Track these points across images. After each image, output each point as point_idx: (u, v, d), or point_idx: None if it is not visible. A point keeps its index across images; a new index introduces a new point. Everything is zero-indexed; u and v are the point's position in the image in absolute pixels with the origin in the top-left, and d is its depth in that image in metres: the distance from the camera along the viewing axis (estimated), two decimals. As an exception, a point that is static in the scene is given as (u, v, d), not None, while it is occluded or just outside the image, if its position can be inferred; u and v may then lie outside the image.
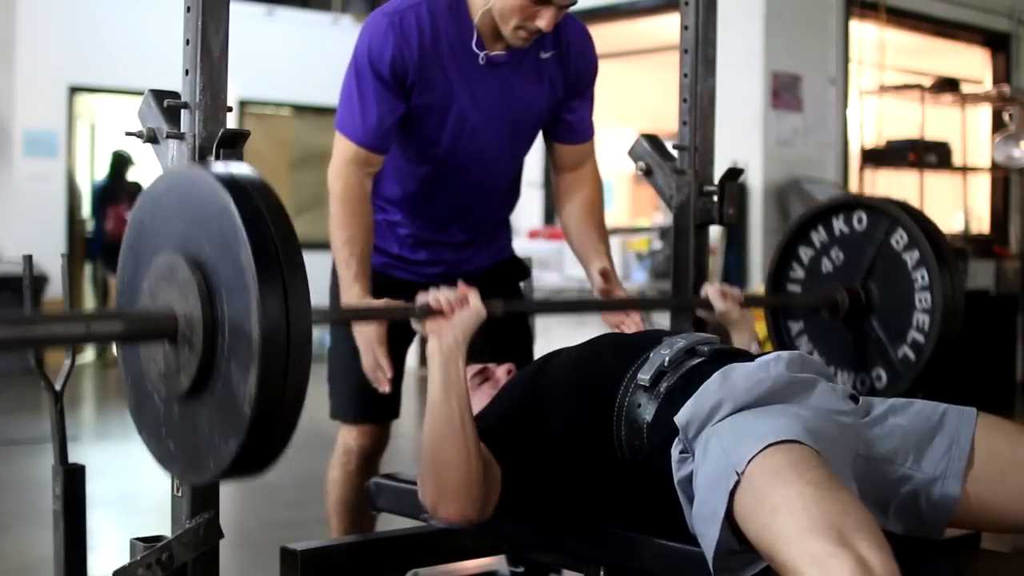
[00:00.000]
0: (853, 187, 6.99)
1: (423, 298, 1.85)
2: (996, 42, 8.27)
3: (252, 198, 1.36)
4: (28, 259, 1.84)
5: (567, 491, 1.88)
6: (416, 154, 2.38)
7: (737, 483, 1.54)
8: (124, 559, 1.71)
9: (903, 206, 2.44)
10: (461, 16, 2.28)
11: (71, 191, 9.07)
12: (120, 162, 9.14)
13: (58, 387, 1.86)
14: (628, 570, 1.83)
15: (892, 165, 7.21)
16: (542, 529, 1.91)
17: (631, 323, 2.35)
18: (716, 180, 2.53)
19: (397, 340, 2.28)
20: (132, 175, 9.18)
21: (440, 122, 2.32)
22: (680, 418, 1.70)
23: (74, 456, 1.86)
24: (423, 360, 1.78)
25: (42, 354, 1.86)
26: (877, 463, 1.76)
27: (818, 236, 2.53)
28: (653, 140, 2.59)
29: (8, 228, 8.44)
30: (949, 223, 7.77)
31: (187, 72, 1.74)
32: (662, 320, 2.79)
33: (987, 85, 8.03)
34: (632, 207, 9.39)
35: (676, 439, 1.71)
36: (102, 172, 9.57)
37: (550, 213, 7.32)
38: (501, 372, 2.14)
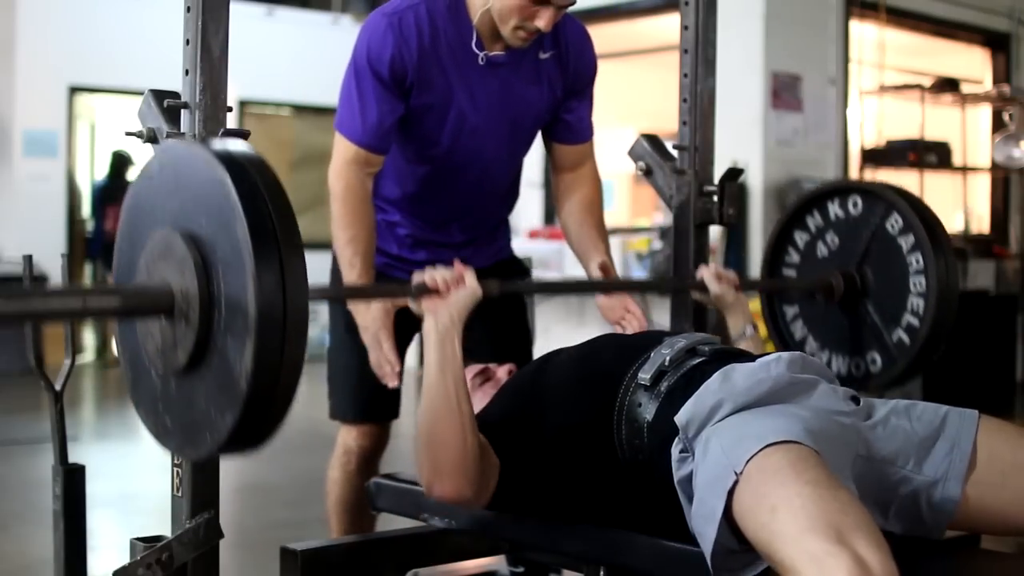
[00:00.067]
0: (853, 187, 6.97)
1: (419, 277, 1.87)
2: (996, 42, 8.27)
3: (249, 174, 1.37)
4: (28, 259, 1.85)
5: (567, 489, 1.88)
6: (415, 154, 2.38)
7: (736, 483, 1.54)
8: (124, 559, 1.72)
9: (898, 191, 2.45)
10: (460, 16, 2.28)
11: (71, 191, 9.07)
12: (120, 162, 9.14)
13: (58, 387, 1.86)
14: (628, 570, 1.83)
15: (892, 165, 7.21)
16: (542, 529, 1.91)
17: (632, 319, 2.34)
18: (716, 180, 2.53)
19: (397, 340, 2.28)
20: (132, 175, 9.17)
21: (439, 122, 2.32)
22: (680, 418, 1.70)
23: (74, 456, 1.86)
24: (423, 360, 1.80)
25: (42, 354, 1.86)
26: (878, 464, 1.76)
27: (814, 221, 2.54)
28: (653, 140, 2.59)
29: (8, 228, 8.44)
30: (949, 223, 7.76)
31: (187, 72, 1.74)
32: (662, 321, 2.79)
33: (987, 85, 8.03)
34: (632, 207, 9.39)
35: (676, 439, 1.71)
36: (102, 172, 9.57)
37: (550, 213, 7.32)
38: (502, 372, 2.14)
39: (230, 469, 4.44)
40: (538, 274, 6.21)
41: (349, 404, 2.56)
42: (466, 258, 2.50)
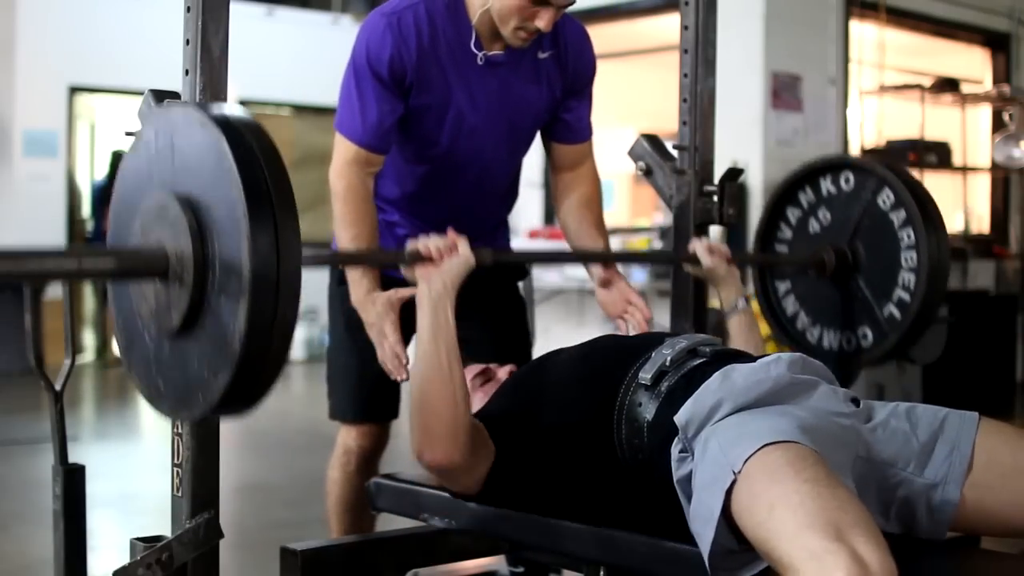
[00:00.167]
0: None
1: (413, 245, 1.88)
2: (996, 42, 8.27)
3: (244, 137, 1.38)
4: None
5: (565, 486, 1.89)
6: (414, 154, 2.38)
7: (734, 482, 1.54)
8: (124, 559, 1.72)
9: (890, 166, 2.47)
10: (459, 16, 2.28)
11: (71, 191, 9.07)
12: (120, 162, 9.13)
13: (58, 387, 1.86)
14: (628, 570, 1.83)
15: (892, 165, 7.21)
16: (542, 529, 1.91)
17: (635, 311, 2.34)
18: (716, 180, 2.53)
19: (403, 334, 2.28)
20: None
21: (438, 122, 2.32)
22: (680, 418, 1.70)
23: (74, 456, 1.86)
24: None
25: (42, 354, 1.86)
26: (878, 466, 1.76)
27: (806, 196, 2.56)
28: (653, 140, 2.59)
29: (8, 228, 8.44)
30: (949, 223, 7.75)
31: (187, 72, 1.74)
32: (662, 321, 2.79)
33: (987, 85, 8.03)
34: (632, 207, 9.38)
35: (676, 438, 1.71)
36: (102, 172, 9.57)
37: (550, 213, 7.32)
38: (503, 373, 2.14)
39: (230, 469, 4.44)
40: (538, 274, 6.22)
41: (348, 404, 2.56)
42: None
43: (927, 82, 7.45)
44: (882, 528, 1.55)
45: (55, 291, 8.03)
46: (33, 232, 8.25)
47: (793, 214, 2.57)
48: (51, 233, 8.61)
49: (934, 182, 7.48)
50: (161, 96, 1.78)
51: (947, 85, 7.50)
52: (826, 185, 2.51)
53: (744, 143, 6.45)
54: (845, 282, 2.47)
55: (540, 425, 1.89)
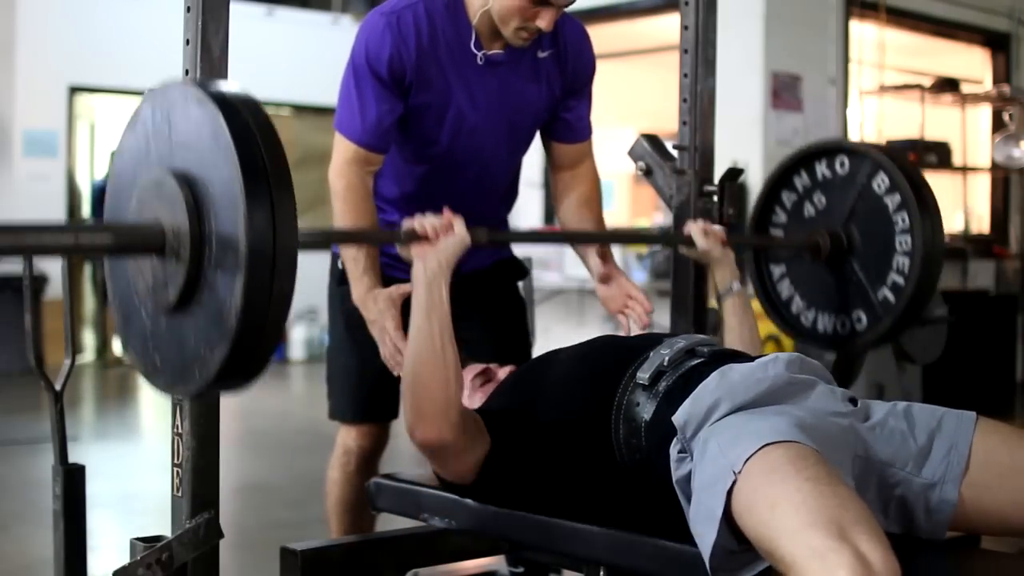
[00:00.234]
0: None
1: (409, 223, 1.89)
2: (996, 42, 8.27)
3: (241, 113, 1.38)
4: (28, 259, 1.84)
5: (562, 486, 1.89)
6: (414, 154, 2.38)
7: (734, 482, 1.54)
8: (124, 559, 1.72)
9: (885, 150, 2.47)
10: (458, 16, 2.28)
11: (71, 191, 9.06)
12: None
13: (58, 387, 1.86)
14: (628, 570, 1.83)
15: (892, 165, 7.21)
16: (542, 529, 1.91)
17: (636, 305, 2.33)
18: (716, 180, 2.53)
19: (405, 330, 2.28)
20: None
21: (438, 122, 2.32)
22: (678, 418, 1.70)
23: (74, 456, 1.86)
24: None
25: (42, 354, 1.86)
26: (876, 466, 1.76)
27: (801, 181, 2.56)
28: (653, 140, 2.59)
29: (8, 228, 8.44)
30: (949, 223, 7.77)
31: (187, 72, 1.74)
32: (662, 321, 2.79)
33: (987, 85, 8.04)
34: (632, 207, 9.39)
35: (674, 439, 1.71)
36: (102, 172, 9.57)
37: (550, 213, 7.32)
38: (503, 374, 2.14)
39: (230, 469, 4.44)
40: (538, 274, 6.21)
41: (348, 404, 2.56)
42: (465, 258, 2.51)
43: (927, 82, 7.45)
44: (882, 527, 1.55)
45: (55, 291, 8.04)
46: (33, 232, 8.24)
47: (788, 198, 2.57)
48: (51, 233, 8.61)
49: (934, 182, 7.46)
50: (161, 96, 1.78)
51: (947, 85, 7.51)
52: (821, 169, 2.52)
53: (744, 143, 6.45)
54: (840, 266, 2.48)
55: (537, 422, 1.89)
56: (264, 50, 8.83)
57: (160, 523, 1.80)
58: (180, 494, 1.74)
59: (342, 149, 2.29)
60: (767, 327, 2.65)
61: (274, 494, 4.61)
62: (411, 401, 1.81)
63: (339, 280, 2.45)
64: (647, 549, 1.76)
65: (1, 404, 6.97)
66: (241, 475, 4.88)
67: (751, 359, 1.84)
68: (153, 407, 7.03)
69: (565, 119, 2.46)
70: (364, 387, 2.51)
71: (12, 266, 7.69)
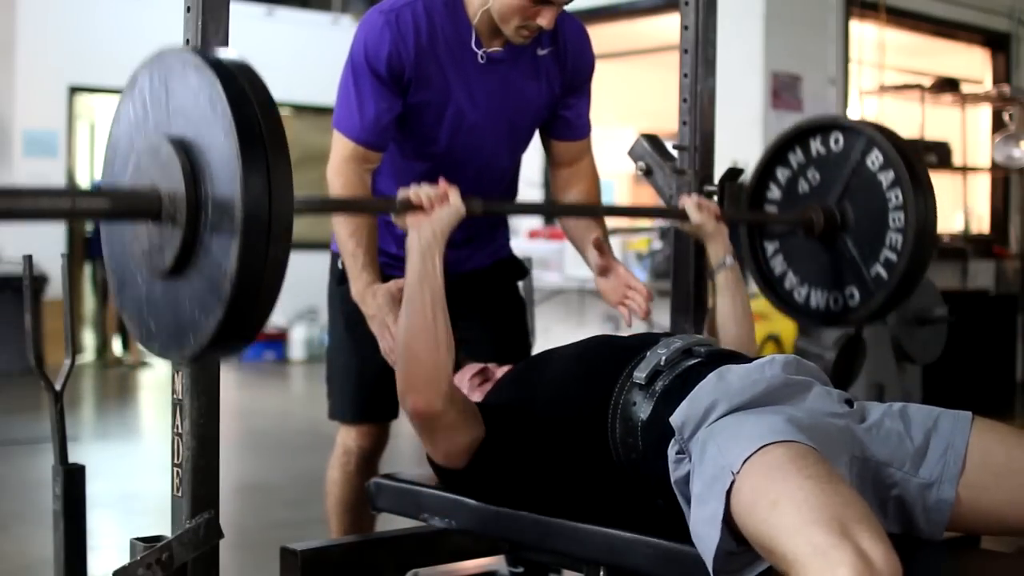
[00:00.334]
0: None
1: (404, 193, 1.89)
2: (996, 42, 8.27)
3: (237, 79, 1.39)
4: (28, 259, 1.85)
5: (557, 483, 1.89)
6: (413, 152, 2.38)
7: (733, 482, 1.54)
8: (124, 559, 1.72)
9: (879, 127, 2.48)
10: (457, 14, 2.28)
11: (71, 191, 9.07)
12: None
13: (58, 387, 1.86)
14: (628, 570, 1.83)
15: (892, 165, 7.21)
16: (542, 529, 1.91)
17: (636, 295, 2.33)
18: (716, 180, 2.53)
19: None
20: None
21: (437, 120, 2.32)
22: (675, 419, 1.70)
23: (74, 456, 1.86)
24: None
25: (42, 354, 1.86)
26: (873, 466, 1.76)
27: (795, 157, 2.57)
28: (653, 140, 2.59)
29: (8, 228, 8.44)
30: (949, 223, 7.77)
31: (187, 72, 1.74)
32: (662, 321, 2.79)
33: (987, 85, 8.04)
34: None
35: (672, 440, 1.71)
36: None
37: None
38: (501, 373, 2.14)
39: (230, 469, 4.44)
40: (538, 274, 6.21)
41: (348, 404, 2.56)
42: (465, 257, 2.51)
43: (927, 82, 7.45)
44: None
45: (55, 291, 8.04)
46: (33, 231, 8.21)
47: (783, 174, 2.59)
48: (51, 233, 8.60)
49: (934, 182, 7.48)
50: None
51: (947, 85, 7.51)
52: (816, 146, 2.54)
53: (744, 143, 6.43)
54: (833, 242, 2.50)
55: (534, 418, 1.89)
56: (264, 50, 8.79)
57: (160, 523, 1.80)
58: (180, 494, 1.74)
59: (340, 147, 2.29)
60: (767, 327, 2.64)
61: (274, 494, 4.61)
62: (403, 369, 1.84)
63: (339, 280, 2.45)
64: (647, 549, 1.76)
65: (1, 404, 6.97)
66: (241, 475, 4.88)
67: (748, 360, 1.84)
68: (153, 407, 7.04)
69: (564, 117, 2.46)
70: (364, 387, 2.51)
71: (12, 266, 7.68)
